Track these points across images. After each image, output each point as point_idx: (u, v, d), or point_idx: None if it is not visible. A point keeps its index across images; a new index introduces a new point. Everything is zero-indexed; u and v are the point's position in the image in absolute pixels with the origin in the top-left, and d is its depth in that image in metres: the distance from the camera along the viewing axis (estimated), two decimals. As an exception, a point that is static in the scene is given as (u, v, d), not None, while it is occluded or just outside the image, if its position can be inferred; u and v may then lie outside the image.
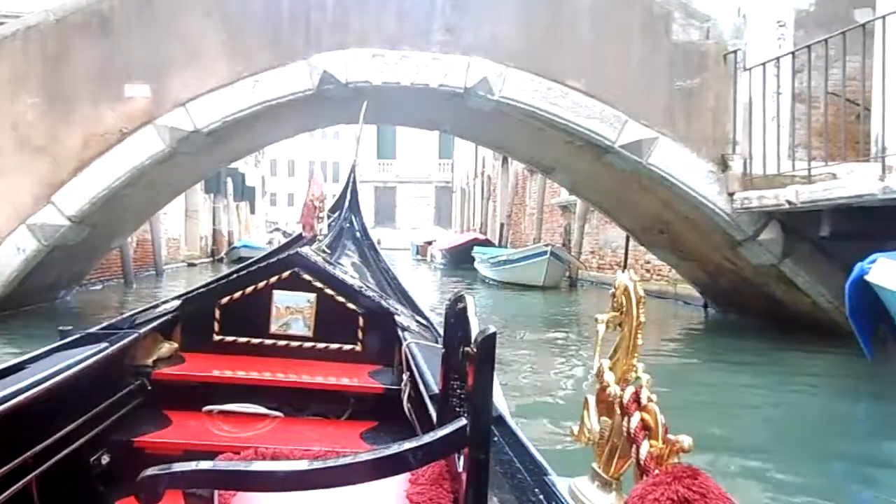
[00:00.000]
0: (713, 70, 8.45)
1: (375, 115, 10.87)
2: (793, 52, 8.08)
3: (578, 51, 8.50)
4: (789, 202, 7.19)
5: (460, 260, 23.78)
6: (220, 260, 26.32)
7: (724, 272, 9.71)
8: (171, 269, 20.81)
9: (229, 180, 29.37)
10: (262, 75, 8.55)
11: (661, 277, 14.17)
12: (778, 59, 8.25)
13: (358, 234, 5.20)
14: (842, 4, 8.77)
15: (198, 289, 3.31)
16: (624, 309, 1.07)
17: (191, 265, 23.16)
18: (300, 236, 4.51)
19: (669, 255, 10.77)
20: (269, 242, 32.24)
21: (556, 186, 20.86)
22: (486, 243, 23.73)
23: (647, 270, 14.87)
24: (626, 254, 15.50)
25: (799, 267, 8.31)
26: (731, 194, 8.27)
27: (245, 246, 27.08)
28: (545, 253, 15.57)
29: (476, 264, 20.43)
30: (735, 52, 8.30)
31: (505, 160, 28.24)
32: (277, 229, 41.84)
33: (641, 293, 1.07)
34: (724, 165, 8.40)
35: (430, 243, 31.82)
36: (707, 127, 8.48)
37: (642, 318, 1.04)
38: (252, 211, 38.48)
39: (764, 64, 7.97)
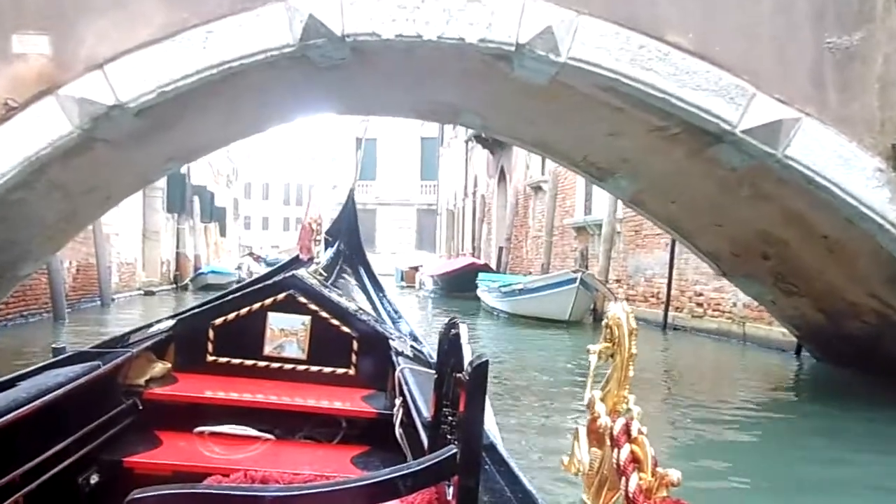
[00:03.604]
0: (882, 20, 5.80)
1: (373, 99, 8.16)
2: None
3: (683, -8, 5.84)
4: None
5: (455, 287, 21.08)
6: (185, 287, 23.35)
7: (862, 313, 7.03)
8: (123, 298, 17.84)
9: (196, 199, 26.44)
10: (217, 24, 5.80)
11: (721, 313, 11.49)
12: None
13: (355, 258, 5.27)
14: None
15: (192, 309, 3.36)
16: (616, 340, 1.00)
17: (148, 293, 20.14)
18: (297, 258, 4.56)
19: (767, 289, 8.08)
20: (239, 267, 29.49)
21: (570, 205, 18.27)
22: (485, 269, 21.01)
23: (699, 304, 12.21)
24: (670, 283, 12.82)
25: None
26: (912, 202, 5.61)
27: (213, 272, 24.25)
28: (573, 281, 12.81)
29: (480, 293, 17.63)
30: (922, -10, 5.68)
31: (502, 177, 25.61)
32: (250, 254, 39.04)
33: (634, 324, 1.00)
34: (895, 160, 5.75)
35: (416, 269, 29.09)
36: (871, 105, 5.82)
37: (634, 350, 0.99)
38: (223, 233, 35.52)
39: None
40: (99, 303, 15.51)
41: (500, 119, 8.06)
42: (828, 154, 5.76)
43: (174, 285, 23.48)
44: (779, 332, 9.83)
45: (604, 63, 5.77)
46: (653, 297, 13.86)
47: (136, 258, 20.17)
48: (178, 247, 24.75)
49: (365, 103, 8.27)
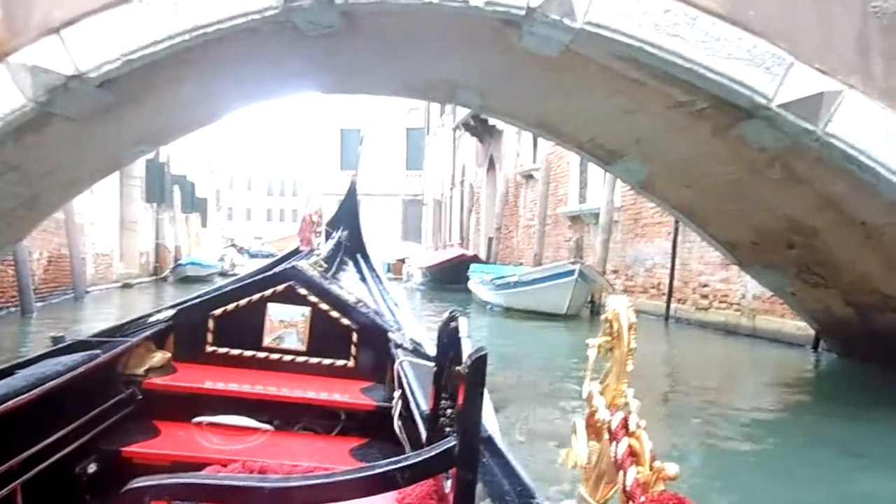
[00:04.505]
0: (934, -19, 5.22)
1: (363, 75, 7.51)
2: None
3: (714, -52, 5.21)
4: None
5: (445, 279, 20.41)
6: (164, 279, 22.57)
7: (897, 307, 6.48)
8: (99, 290, 17.07)
9: (176, 188, 25.63)
10: (189, -17, 5.14)
11: (729, 305, 10.93)
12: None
13: (355, 249, 5.34)
14: None
15: (192, 299, 3.32)
16: (615, 334, 1.00)
17: (126, 286, 19.37)
18: (297, 250, 4.69)
19: (789, 280, 7.50)
20: (221, 259, 28.73)
21: (563, 193, 17.68)
22: (475, 260, 20.37)
23: (704, 296, 11.64)
24: (673, 273, 12.25)
25: None
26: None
27: (193, 263, 23.47)
28: (571, 273, 12.19)
29: (471, 285, 16.99)
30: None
31: (491, 165, 24.97)
32: (233, 245, 38.33)
33: (633, 318, 0.99)
34: (948, 137, 5.16)
35: (402, 260, 28.39)
36: (922, 75, 5.24)
37: (633, 344, 0.98)
38: (204, 224, 34.68)
39: None
40: (72, 296, 14.75)
41: (502, 97, 7.42)
42: (873, 131, 5.17)
43: (154, 277, 22.73)
44: (793, 325, 9.30)
45: (624, 29, 5.15)
46: (653, 288, 13.29)
47: (112, 249, 19.39)
48: (157, 237, 23.94)
49: (354, 80, 7.61)
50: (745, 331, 10.43)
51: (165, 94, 6.42)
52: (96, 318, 12.12)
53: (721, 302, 11.15)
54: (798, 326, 9.14)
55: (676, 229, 12.10)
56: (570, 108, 6.98)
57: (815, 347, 8.78)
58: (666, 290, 12.55)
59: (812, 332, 8.68)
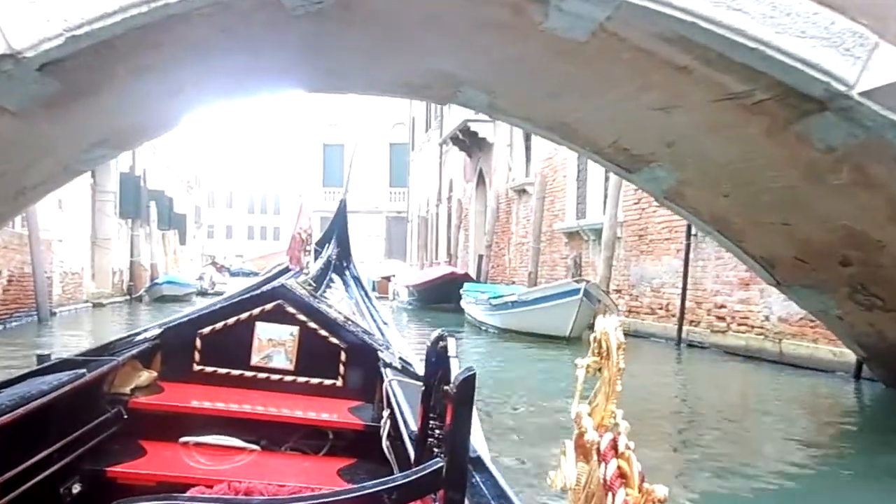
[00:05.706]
0: None
1: (354, 70, 6.62)
2: None
3: None
4: None
5: (434, 298, 19.55)
6: (139, 299, 21.52)
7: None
8: (67, 311, 16.03)
9: (153, 204, 24.63)
10: (148, -57, 4.22)
11: (750, 328, 10.06)
12: None
13: (345, 268, 5.28)
14: None
15: (180, 318, 3.32)
16: (604, 354, 0.98)
17: (97, 306, 18.31)
18: (287, 269, 4.68)
19: (837, 301, 6.62)
20: (200, 278, 27.73)
21: (559, 209, 16.82)
22: (466, 278, 19.47)
23: (721, 318, 10.76)
24: (685, 293, 11.37)
25: None
26: None
27: (169, 282, 22.49)
28: (576, 291, 11.28)
29: (465, 304, 16.03)
30: None
31: (480, 180, 24.10)
32: (213, 263, 37.37)
33: (622, 338, 0.98)
34: None
35: (388, 278, 27.48)
36: None
37: (622, 364, 0.97)
38: (183, 241, 33.61)
39: None
40: (35, 318, 13.69)
41: (513, 93, 6.51)
42: (974, 124, 4.33)
43: (128, 297, 21.67)
44: (827, 350, 8.45)
45: (675, 1, 4.28)
46: (661, 308, 12.41)
47: (83, 267, 18.33)
48: (132, 255, 22.91)
49: (343, 76, 6.70)
50: (769, 356, 9.54)
51: (127, 86, 5.47)
52: (60, 343, 11.12)
53: (740, 325, 10.27)
54: (834, 352, 8.29)
55: (688, 246, 11.27)
56: (592, 105, 6.09)
57: (857, 376, 7.91)
58: (675, 312, 11.69)
59: (852, 358, 7.83)
